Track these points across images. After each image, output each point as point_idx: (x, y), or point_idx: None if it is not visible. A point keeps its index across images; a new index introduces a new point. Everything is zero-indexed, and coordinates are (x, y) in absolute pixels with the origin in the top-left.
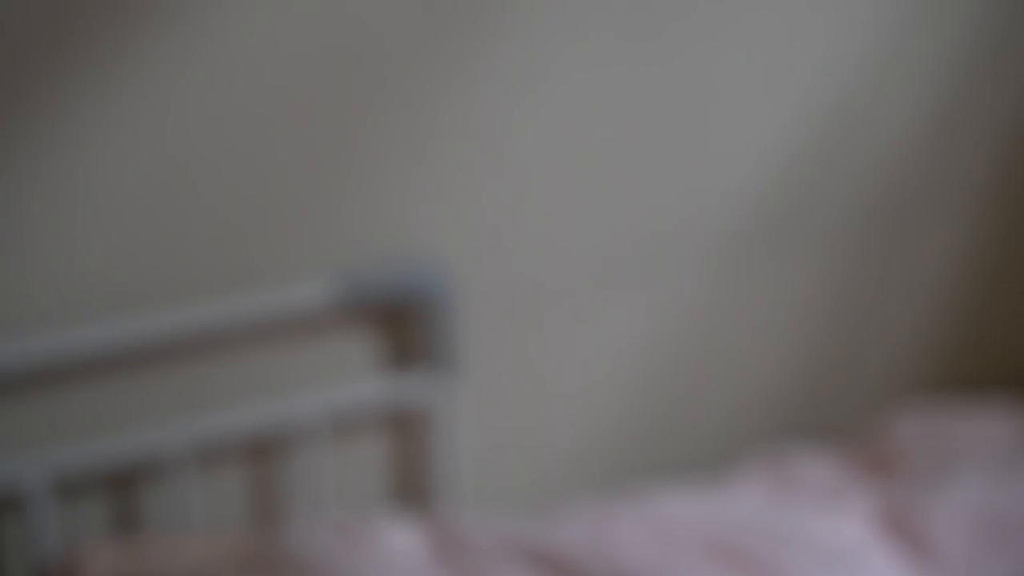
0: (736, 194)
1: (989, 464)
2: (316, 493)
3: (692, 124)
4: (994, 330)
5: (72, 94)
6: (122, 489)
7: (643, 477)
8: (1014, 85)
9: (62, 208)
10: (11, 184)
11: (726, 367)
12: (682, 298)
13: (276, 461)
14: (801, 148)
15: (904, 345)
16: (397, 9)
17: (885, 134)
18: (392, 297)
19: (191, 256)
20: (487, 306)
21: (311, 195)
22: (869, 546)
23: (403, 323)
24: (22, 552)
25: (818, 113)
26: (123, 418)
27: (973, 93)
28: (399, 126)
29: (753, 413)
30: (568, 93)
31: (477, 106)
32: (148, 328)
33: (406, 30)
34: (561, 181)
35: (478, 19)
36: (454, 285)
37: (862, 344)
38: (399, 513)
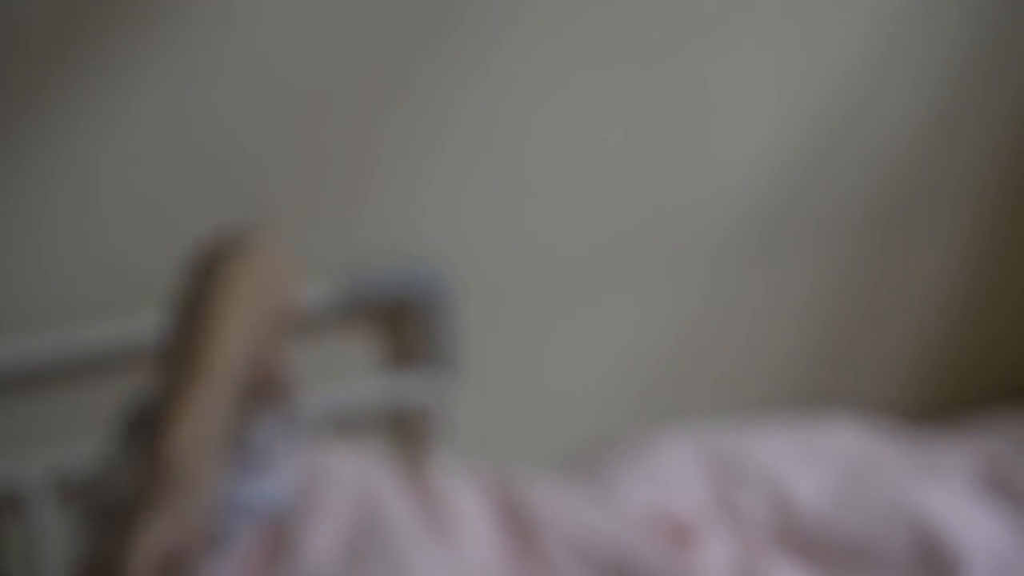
0: (735, 195)
1: None
2: None
3: (692, 125)
4: (994, 331)
5: (77, 94)
6: None
7: None
8: (1012, 86)
9: (65, 208)
10: (15, 184)
11: (724, 368)
12: (682, 299)
13: None
14: (799, 150)
15: (903, 346)
16: (399, 11)
17: (883, 135)
18: (393, 297)
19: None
20: (487, 306)
21: (312, 195)
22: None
23: (403, 323)
24: (22, 552)
25: (816, 114)
26: None
27: (971, 94)
28: (400, 127)
29: (751, 413)
30: (568, 94)
31: (477, 107)
32: (148, 328)
33: (407, 31)
34: (562, 181)
35: (479, 20)
36: (454, 285)
37: (860, 345)
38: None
